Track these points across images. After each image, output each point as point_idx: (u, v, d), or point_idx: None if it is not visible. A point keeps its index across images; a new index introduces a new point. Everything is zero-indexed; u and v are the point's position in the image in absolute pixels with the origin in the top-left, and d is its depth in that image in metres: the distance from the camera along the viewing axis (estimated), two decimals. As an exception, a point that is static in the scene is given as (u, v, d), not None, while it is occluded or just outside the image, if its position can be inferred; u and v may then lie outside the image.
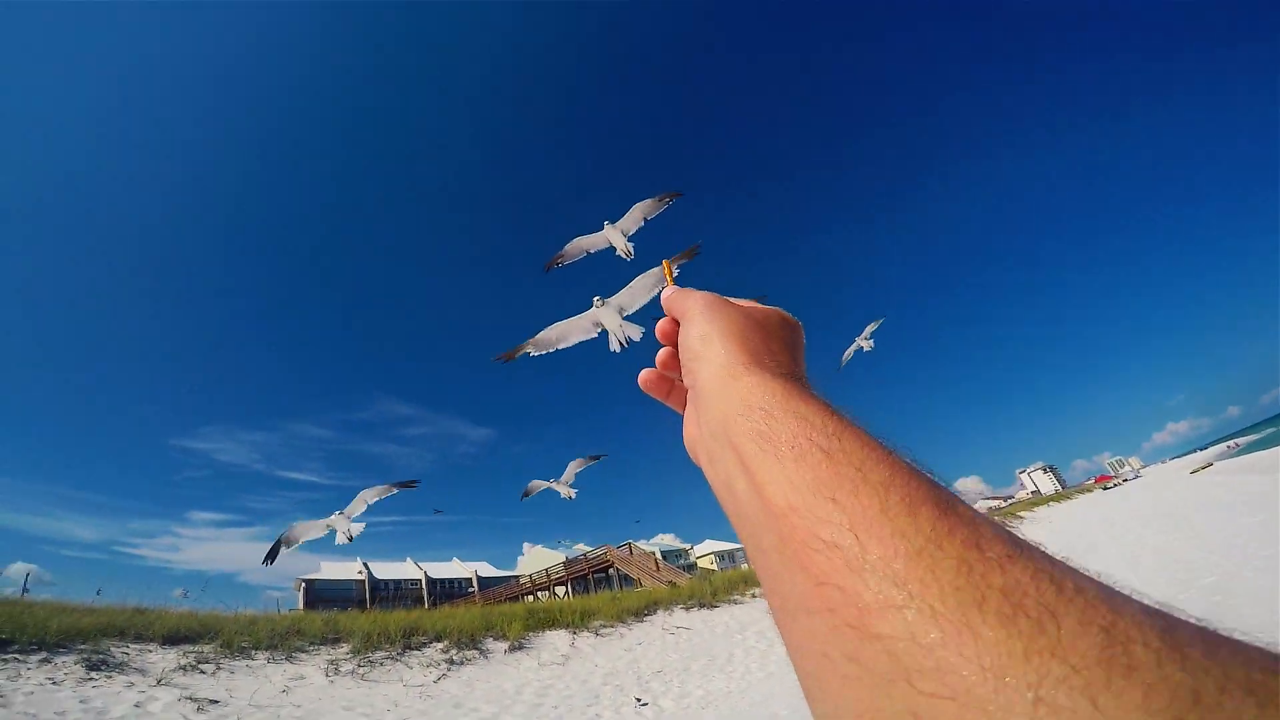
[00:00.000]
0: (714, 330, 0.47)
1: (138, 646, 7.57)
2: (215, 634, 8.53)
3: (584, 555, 37.59)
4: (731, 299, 0.54)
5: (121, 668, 6.62)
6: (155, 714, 5.46)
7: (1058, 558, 0.22)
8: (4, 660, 6.03)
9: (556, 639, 10.71)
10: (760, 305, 0.53)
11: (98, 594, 10.49)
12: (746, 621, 11.97)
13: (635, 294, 3.35)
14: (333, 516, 5.26)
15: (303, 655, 8.44)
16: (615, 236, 4.39)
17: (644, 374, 0.60)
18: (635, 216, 4.36)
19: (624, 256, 4.45)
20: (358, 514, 5.41)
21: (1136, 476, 73.78)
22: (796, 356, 0.48)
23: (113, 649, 7.15)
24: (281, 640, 8.73)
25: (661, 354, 0.58)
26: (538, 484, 7.53)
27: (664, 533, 77.80)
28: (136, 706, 5.53)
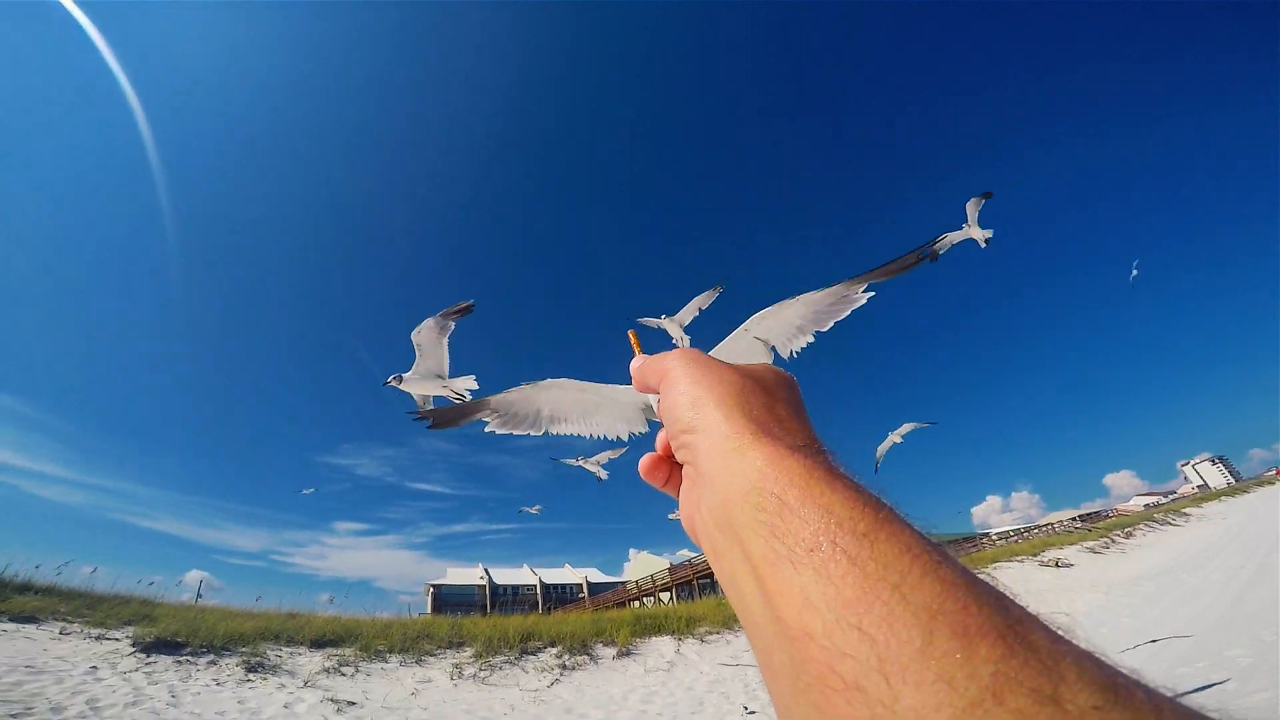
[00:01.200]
0: (706, 393, 0.38)
1: (289, 649, 8.47)
2: (355, 638, 9.37)
3: (689, 561, 37.53)
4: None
5: (275, 670, 7.42)
6: (301, 715, 6.06)
7: (1169, 696, 0.17)
8: (179, 662, 6.96)
9: (662, 645, 10.75)
10: (747, 364, 0.44)
11: (257, 600, 11.79)
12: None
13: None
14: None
15: (430, 659, 9.05)
16: (672, 328, 4.74)
17: (644, 459, 0.49)
18: (692, 309, 4.77)
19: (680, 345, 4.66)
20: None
21: (1330, 464, 63.66)
22: (805, 421, 0.39)
23: (269, 652, 8.05)
24: (413, 644, 9.43)
25: (662, 435, 0.48)
26: (568, 462, 7.03)
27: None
28: (285, 707, 6.16)
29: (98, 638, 7.39)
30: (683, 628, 11.68)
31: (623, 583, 55.06)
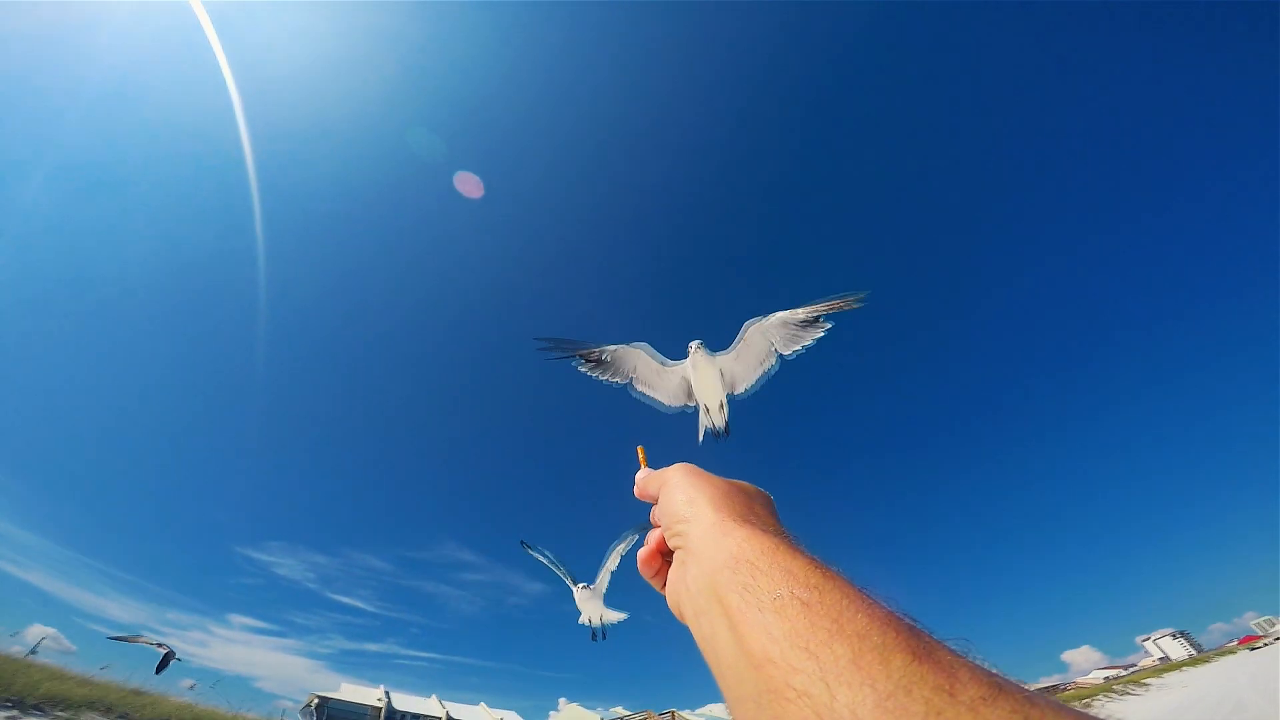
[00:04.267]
0: (699, 494, 0.48)
1: (117, 726, 6.93)
2: (203, 729, 7.79)
3: (621, 718, 33.74)
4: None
5: (88, 742, 5.98)
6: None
7: (1047, 697, 0.23)
8: (-34, 707, 5.57)
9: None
10: (733, 480, 0.54)
11: (103, 669, 10.00)
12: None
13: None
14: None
15: (285, 767, 7.47)
16: (706, 372, 2.27)
17: (641, 551, 0.58)
18: (754, 343, 2.35)
19: (711, 427, 2.46)
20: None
21: (1292, 636, 62.53)
22: (776, 519, 0.49)
23: (89, 722, 6.56)
24: (268, 747, 7.84)
25: (654, 533, 0.58)
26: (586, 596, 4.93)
27: (715, 703, 69.36)
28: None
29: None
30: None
31: (541, 734, 48.74)
